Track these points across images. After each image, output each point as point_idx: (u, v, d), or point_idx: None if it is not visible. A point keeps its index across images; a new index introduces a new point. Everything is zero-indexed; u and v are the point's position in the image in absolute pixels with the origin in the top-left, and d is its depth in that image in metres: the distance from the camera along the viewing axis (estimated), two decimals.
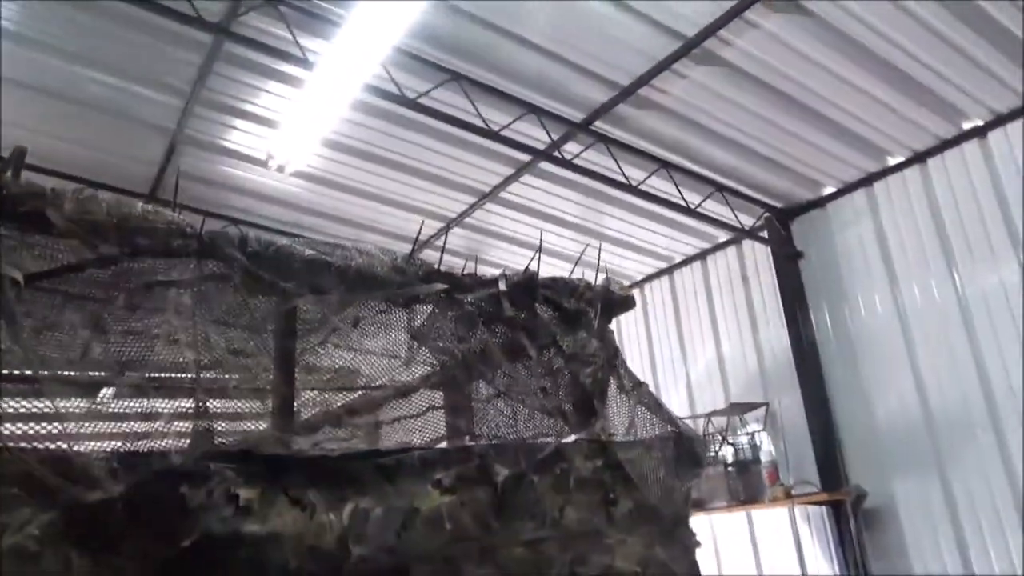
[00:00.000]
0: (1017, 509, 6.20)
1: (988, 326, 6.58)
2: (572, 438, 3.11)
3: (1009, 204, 6.53)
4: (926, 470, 6.90)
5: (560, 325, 3.25)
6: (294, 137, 6.55)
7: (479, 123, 6.32)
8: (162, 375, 2.36)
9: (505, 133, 6.50)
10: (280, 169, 6.95)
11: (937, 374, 6.92)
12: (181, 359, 2.39)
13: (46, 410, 1.96)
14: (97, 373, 2.25)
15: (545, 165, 7.46)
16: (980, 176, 6.77)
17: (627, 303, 3.60)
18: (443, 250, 3.11)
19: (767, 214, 8.42)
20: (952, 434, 6.75)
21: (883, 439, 7.31)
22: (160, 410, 2.23)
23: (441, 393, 3.22)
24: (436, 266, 3.03)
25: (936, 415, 6.89)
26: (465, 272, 3.12)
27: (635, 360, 10.31)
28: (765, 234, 8.51)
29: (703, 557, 3.43)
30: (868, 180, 7.69)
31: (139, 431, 2.21)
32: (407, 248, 3.04)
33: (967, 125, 6.82)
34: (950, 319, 6.88)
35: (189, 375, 2.35)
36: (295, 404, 2.92)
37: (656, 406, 3.54)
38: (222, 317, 2.53)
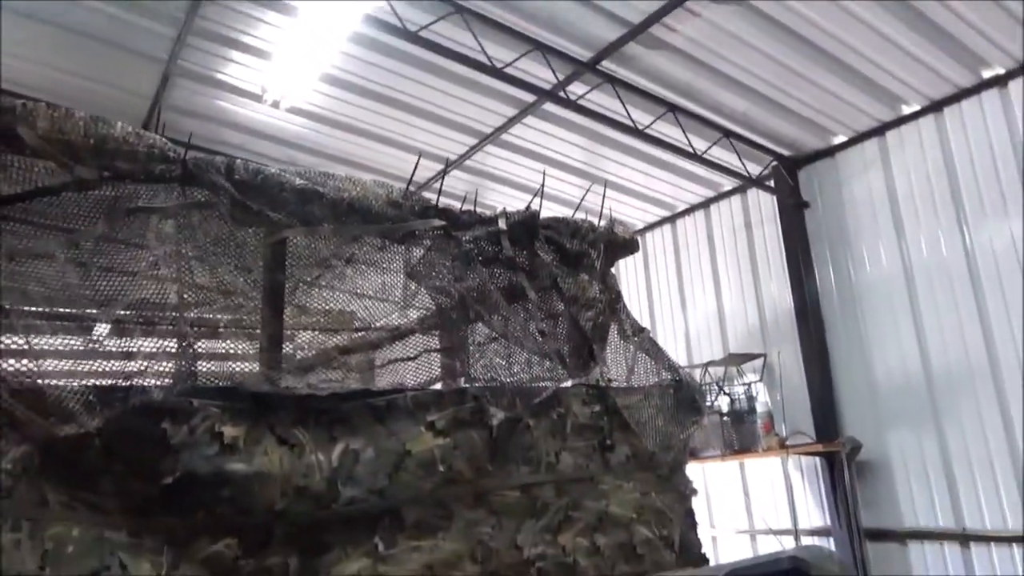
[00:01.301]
0: (1014, 466, 6.20)
1: (995, 282, 6.48)
2: (570, 383, 3.04)
3: None
4: (923, 424, 6.89)
5: (561, 267, 3.13)
6: (290, 71, 6.32)
7: (483, 60, 6.09)
8: (144, 310, 2.25)
9: (509, 71, 6.27)
10: (275, 104, 6.75)
11: (940, 328, 6.85)
12: (164, 292, 2.28)
13: (15, 346, 1.86)
14: (74, 309, 2.14)
15: (549, 106, 7.24)
16: (997, 127, 6.57)
17: (631, 246, 3.49)
18: (440, 188, 2.98)
19: (774, 162, 8.23)
20: (951, 389, 6.71)
21: (881, 392, 7.28)
22: (141, 348, 2.13)
23: (437, 334, 3.12)
24: (434, 203, 2.90)
25: (936, 370, 6.85)
26: (463, 209, 3.00)
27: (634, 309, 10.21)
28: (771, 183, 8.35)
29: (695, 506, 3.41)
30: (881, 129, 7.48)
31: (120, 370, 2.11)
32: (412, 189, 2.91)
33: (987, 73, 6.59)
34: (956, 274, 6.77)
35: (172, 309, 2.24)
36: (290, 345, 2.83)
37: (657, 353, 3.46)
38: (208, 249, 2.41)
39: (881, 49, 6.24)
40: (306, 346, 2.94)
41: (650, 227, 10.23)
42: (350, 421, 2.40)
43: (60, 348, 2.01)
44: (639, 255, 10.31)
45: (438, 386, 2.84)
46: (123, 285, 2.23)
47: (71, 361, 2.02)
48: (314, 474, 2.26)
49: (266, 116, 7.31)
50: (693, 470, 8.22)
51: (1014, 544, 6.14)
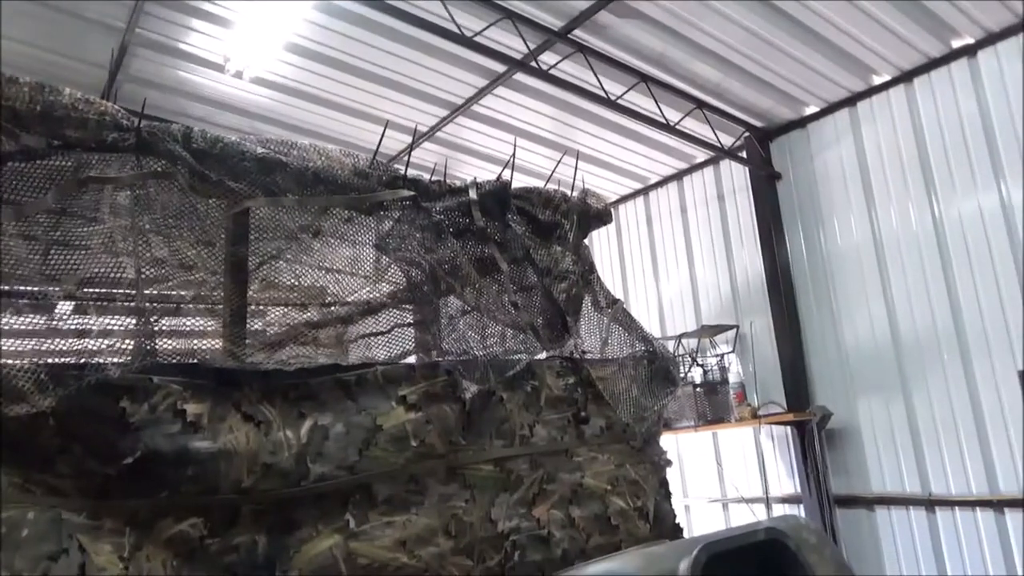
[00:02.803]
0: (978, 432, 6.33)
1: (963, 253, 6.56)
2: (544, 355, 3.00)
3: (994, 128, 6.41)
4: (891, 393, 7.00)
5: (534, 238, 3.08)
6: (253, 40, 6.14)
7: (452, 28, 5.96)
8: (99, 286, 2.15)
9: (479, 40, 6.15)
10: (238, 75, 6.55)
11: (908, 299, 6.94)
12: (120, 267, 2.19)
13: None
14: (24, 285, 2.04)
15: (520, 77, 7.14)
16: (966, 97, 6.61)
17: (604, 216, 3.45)
18: (408, 158, 2.90)
19: (747, 134, 8.23)
20: (919, 359, 6.82)
21: (851, 362, 7.38)
22: (97, 325, 2.04)
23: (408, 308, 3.07)
24: (403, 173, 2.83)
25: (905, 340, 6.95)
26: (433, 180, 2.92)
27: (607, 282, 10.21)
28: (744, 154, 8.35)
29: (669, 476, 3.42)
30: (852, 100, 7.50)
31: (74, 348, 2.03)
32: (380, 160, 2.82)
33: (956, 43, 6.61)
34: (925, 244, 6.85)
35: (129, 284, 2.16)
36: (256, 321, 2.76)
37: (631, 324, 3.44)
38: (166, 221, 2.32)
39: (852, 19, 6.23)
40: (273, 321, 2.86)
41: (623, 199, 10.21)
42: (318, 397, 2.34)
43: (9, 327, 1.92)
44: (612, 227, 10.30)
45: (410, 360, 2.79)
46: (76, 259, 2.13)
47: (21, 340, 1.93)
48: (282, 451, 2.20)
49: (230, 87, 7.10)
50: (668, 441, 8.33)
51: (977, 508, 6.30)
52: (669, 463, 3.35)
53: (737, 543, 2.27)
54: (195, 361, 2.09)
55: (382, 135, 2.84)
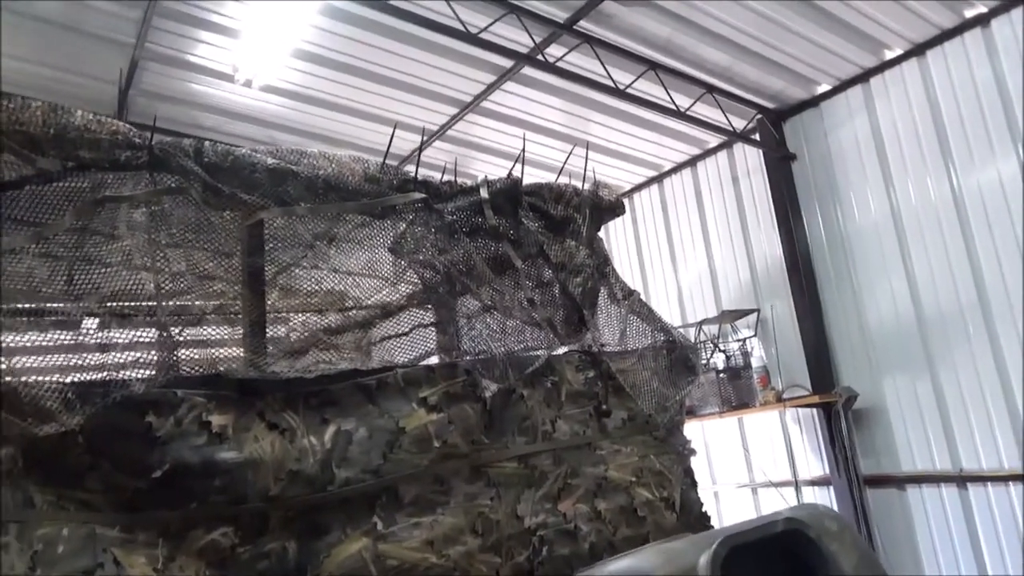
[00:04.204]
0: (1007, 405, 6.24)
1: (984, 224, 6.46)
2: (562, 350, 3.01)
3: (1010, 96, 6.29)
4: (917, 370, 6.92)
5: (547, 233, 3.09)
6: (261, 48, 6.18)
7: (457, 26, 5.95)
8: (120, 301, 2.19)
9: (485, 36, 6.14)
10: (248, 83, 6.60)
11: (930, 274, 6.84)
12: (140, 282, 2.23)
13: None
14: (47, 304, 2.08)
15: (529, 71, 7.11)
16: (981, 67, 6.50)
17: (616, 208, 3.44)
18: (418, 159, 2.91)
19: (759, 115, 8.15)
20: (944, 334, 6.73)
21: (874, 340, 7.30)
22: (119, 340, 2.08)
23: (425, 310, 3.08)
24: (412, 175, 2.84)
25: (928, 315, 6.86)
26: (444, 181, 2.93)
27: (625, 271, 10.20)
28: (757, 137, 8.27)
29: (696, 464, 3.41)
30: (864, 76, 7.40)
31: (99, 364, 2.06)
32: (391, 163, 2.83)
33: (969, 13, 6.50)
34: (945, 217, 6.75)
35: (149, 299, 2.19)
36: (276, 329, 2.79)
37: (648, 315, 3.43)
38: (183, 235, 2.35)
39: None
40: (293, 329, 2.89)
41: (637, 188, 10.16)
42: (340, 402, 2.37)
43: (35, 345, 1.96)
44: (628, 217, 10.26)
45: (429, 361, 2.81)
46: (97, 277, 2.17)
47: (48, 358, 1.97)
48: (307, 457, 2.23)
49: (241, 96, 7.16)
50: (693, 428, 8.30)
51: (1010, 483, 6.21)
52: (693, 452, 3.34)
53: (756, 535, 2.26)
54: (218, 372, 2.12)
55: (391, 138, 2.85)
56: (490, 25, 6.10)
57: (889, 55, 7.11)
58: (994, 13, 6.38)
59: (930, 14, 6.49)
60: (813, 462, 7.82)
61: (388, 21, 6.04)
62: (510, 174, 3.05)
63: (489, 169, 8.56)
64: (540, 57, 6.59)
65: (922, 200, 6.94)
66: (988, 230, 6.42)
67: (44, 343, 1.97)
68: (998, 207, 6.36)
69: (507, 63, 6.92)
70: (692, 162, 9.40)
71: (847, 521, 2.40)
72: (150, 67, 6.72)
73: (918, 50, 6.93)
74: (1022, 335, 6.16)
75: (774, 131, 8.13)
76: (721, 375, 7.99)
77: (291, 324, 2.79)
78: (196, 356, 2.23)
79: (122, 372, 2.01)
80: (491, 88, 7.41)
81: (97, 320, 2.09)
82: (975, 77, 6.54)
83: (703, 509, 3.25)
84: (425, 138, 8.09)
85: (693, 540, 2.34)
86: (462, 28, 5.96)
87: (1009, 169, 6.30)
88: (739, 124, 8.13)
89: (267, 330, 2.44)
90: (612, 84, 6.89)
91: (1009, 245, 6.27)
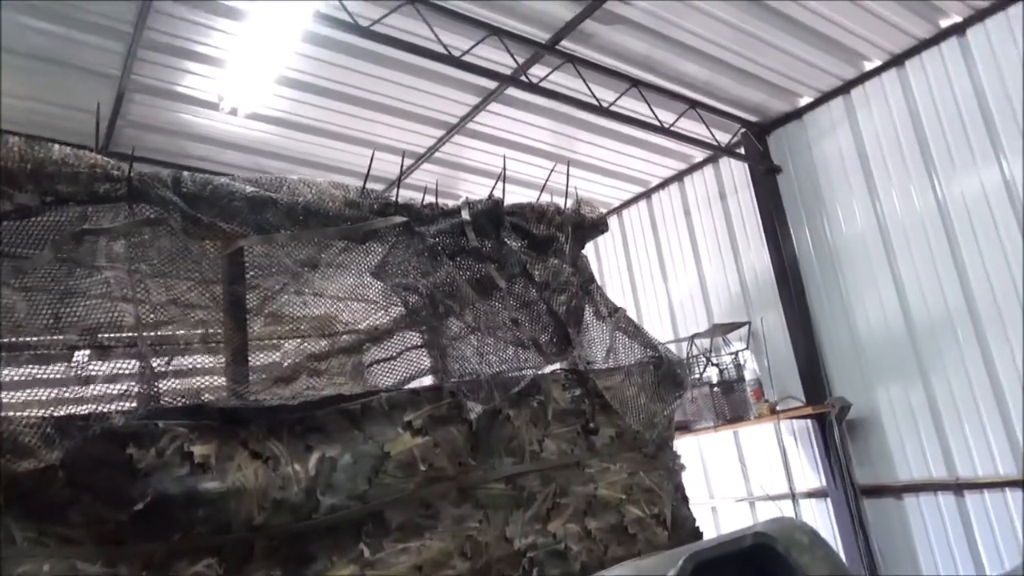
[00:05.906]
0: (1000, 411, 6.25)
1: (969, 231, 6.51)
2: (548, 369, 3.01)
3: (989, 104, 6.37)
4: (909, 379, 6.94)
5: (530, 253, 3.10)
6: (246, 76, 6.21)
7: (439, 49, 6.01)
8: (100, 333, 2.18)
9: (468, 59, 6.19)
10: (233, 111, 6.63)
11: (918, 282, 6.88)
12: (120, 314, 2.22)
13: None
14: (25, 338, 2.08)
15: (513, 92, 7.18)
16: (959, 75, 6.58)
17: (599, 225, 3.46)
18: (399, 183, 2.93)
19: (743, 130, 8.22)
20: (934, 341, 6.75)
21: (866, 350, 7.32)
22: (99, 372, 2.07)
23: (411, 333, 3.08)
24: (394, 199, 2.85)
25: (918, 323, 6.89)
26: (425, 203, 2.95)
27: (616, 288, 10.23)
28: (742, 151, 8.34)
29: (692, 479, 3.40)
30: (845, 88, 7.48)
31: (78, 398, 2.06)
32: (379, 187, 2.86)
33: (945, 23, 6.59)
34: (930, 225, 6.80)
35: (129, 330, 2.19)
36: (259, 356, 2.78)
37: (635, 331, 3.44)
38: (163, 266, 2.35)
39: (837, 6, 6.22)
40: (279, 356, 2.89)
41: (626, 204, 10.21)
42: (324, 428, 2.36)
43: (13, 380, 1.95)
44: (617, 234, 10.30)
45: (414, 384, 2.80)
46: (77, 310, 2.16)
47: (27, 393, 1.96)
48: (291, 485, 2.22)
49: (227, 125, 7.19)
50: (688, 443, 8.28)
51: (1006, 489, 6.21)
52: (683, 467, 3.33)
53: (724, 551, 2.26)
54: (199, 402, 2.11)
55: (370, 163, 2.87)
56: (472, 48, 6.16)
57: (868, 66, 7.20)
58: (969, 22, 6.48)
59: (906, 24, 6.58)
60: (810, 474, 7.80)
61: (372, 47, 6.10)
62: (491, 195, 3.07)
63: (477, 189, 8.56)
64: (523, 78, 6.65)
65: (907, 209, 6.99)
66: (974, 237, 6.47)
67: (23, 377, 1.97)
68: (982, 214, 6.41)
69: (491, 84, 6.98)
70: (679, 177, 9.46)
71: (818, 534, 2.40)
72: (136, 98, 6.76)
73: (896, 60, 7.03)
74: (1012, 340, 6.18)
75: (758, 144, 8.20)
76: (715, 389, 7.99)
77: (277, 351, 2.78)
78: (178, 386, 2.22)
79: (103, 405, 2.00)
80: (476, 109, 7.47)
81: (77, 353, 2.09)
82: (954, 86, 6.62)
83: (695, 525, 3.23)
84: (412, 161, 8.16)
85: (664, 556, 2.34)
86: (444, 51, 6.01)
87: (991, 177, 6.36)
88: (724, 138, 8.20)
89: (249, 358, 2.44)
90: (596, 102, 6.95)
91: (995, 251, 6.31)
